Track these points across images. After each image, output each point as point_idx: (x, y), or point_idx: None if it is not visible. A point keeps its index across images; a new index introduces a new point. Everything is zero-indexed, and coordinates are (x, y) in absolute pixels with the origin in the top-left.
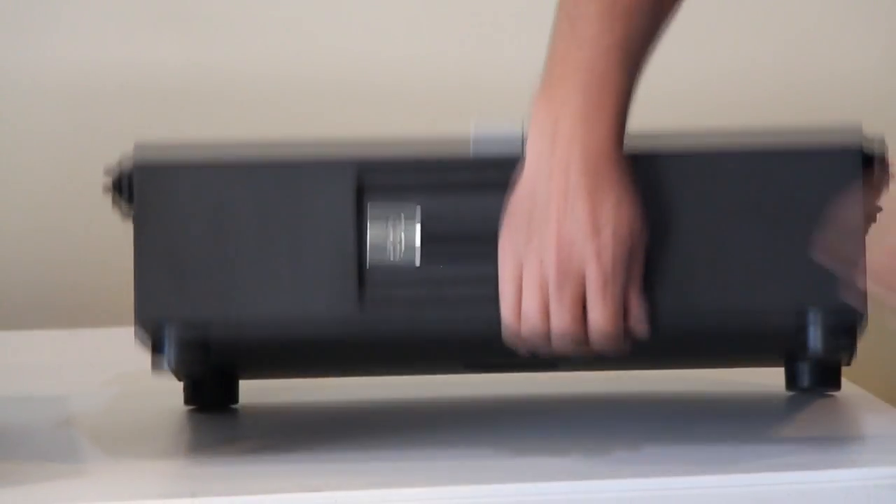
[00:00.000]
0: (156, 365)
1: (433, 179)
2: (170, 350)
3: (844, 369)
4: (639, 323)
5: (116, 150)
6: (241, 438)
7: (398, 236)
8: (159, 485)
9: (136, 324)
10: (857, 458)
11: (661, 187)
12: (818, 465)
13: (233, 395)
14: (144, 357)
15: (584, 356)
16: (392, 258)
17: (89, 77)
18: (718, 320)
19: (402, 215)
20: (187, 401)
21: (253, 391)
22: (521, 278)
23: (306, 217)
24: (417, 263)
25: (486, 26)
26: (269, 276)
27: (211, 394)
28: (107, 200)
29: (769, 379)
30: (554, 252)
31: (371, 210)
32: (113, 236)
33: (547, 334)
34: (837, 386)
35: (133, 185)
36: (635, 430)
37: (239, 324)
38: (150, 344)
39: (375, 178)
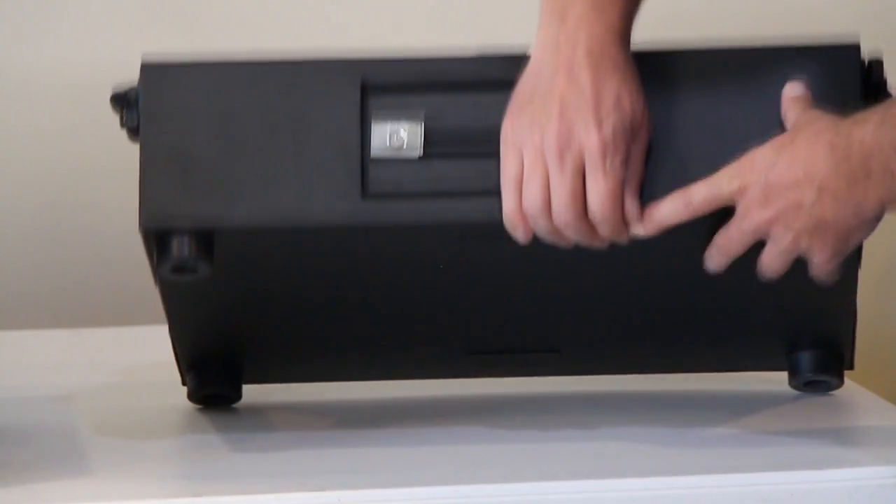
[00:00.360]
0: (160, 272)
1: (437, 77)
2: (175, 251)
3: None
4: (636, 219)
5: (116, 151)
6: (245, 438)
7: (401, 133)
8: (163, 484)
9: (141, 228)
10: (859, 457)
11: (663, 85)
12: (821, 464)
13: (236, 391)
14: (148, 357)
15: (583, 246)
16: (395, 154)
17: (91, 76)
18: (717, 223)
19: (406, 113)
20: (191, 397)
21: (256, 389)
22: (522, 156)
23: (312, 116)
24: (419, 156)
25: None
26: (274, 175)
27: (215, 386)
28: (109, 202)
29: (771, 377)
30: (556, 121)
31: (375, 107)
32: (115, 236)
33: (548, 210)
34: (841, 373)
35: (140, 91)
36: (635, 429)
37: (244, 221)
38: (155, 248)
39: (379, 77)
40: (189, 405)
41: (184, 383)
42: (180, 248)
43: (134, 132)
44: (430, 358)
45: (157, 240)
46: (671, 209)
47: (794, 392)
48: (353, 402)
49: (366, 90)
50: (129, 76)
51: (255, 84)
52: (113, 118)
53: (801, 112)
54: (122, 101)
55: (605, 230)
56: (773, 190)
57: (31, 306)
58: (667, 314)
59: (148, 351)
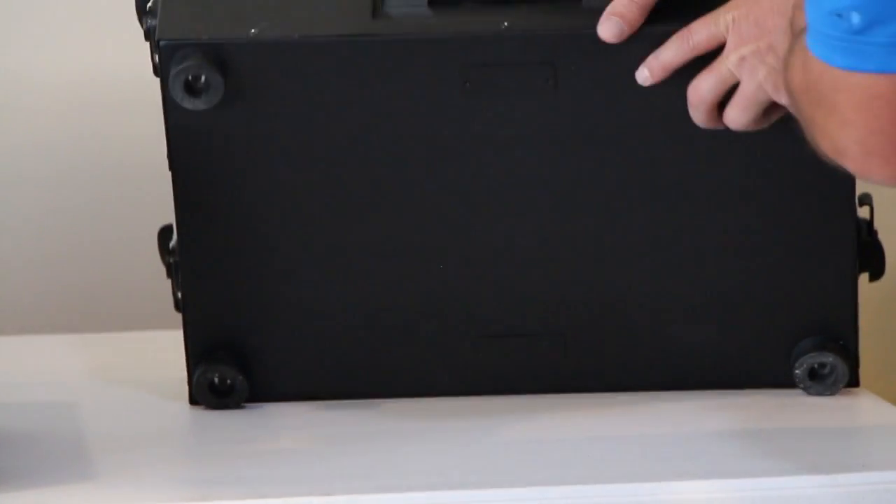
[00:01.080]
0: (171, 94)
1: None
2: (189, 61)
3: None
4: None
5: (118, 154)
6: (252, 442)
7: None
8: (169, 489)
9: (157, 42)
10: (867, 461)
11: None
12: (826, 468)
13: (243, 384)
14: (153, 361)
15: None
16: None
17: (92, 82)
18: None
19: None
20: (196, 391)
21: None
22: None
23: None
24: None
25: None
26: (287, 3)
27: (223, 373)
28: (112, 208)
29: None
30: None
31: None
32: (118, 239)
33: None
34: (848, 361)
35: None
36: (638, 431)
37: (256, 37)
38: (169, 64)
39: None
40: (195, 411)
41: (190, 382)
42: (194, 58)
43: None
44: (436, 343)
45: (171, 54)
46: (673, 49)
47: (800, 395)
48: (362, 404)
49: None
50: (132, 77)
51: None
52: (118, 122)
53: None
54: None
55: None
56: (759, 23)
57: (34, 311)
58: (669, 309)
59: (153, 356)
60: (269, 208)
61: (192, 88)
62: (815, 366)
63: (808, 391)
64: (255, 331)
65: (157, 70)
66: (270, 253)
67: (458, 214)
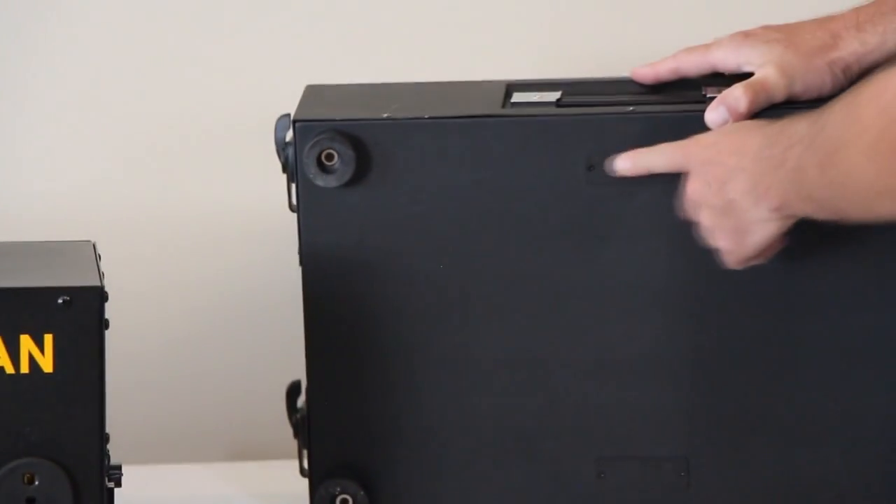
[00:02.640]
0: (303, 169)
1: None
2: (323, 141)
3: None
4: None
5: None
6: None
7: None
8: None
9: (293, 123)
10: None
11: None
12: None
13: None
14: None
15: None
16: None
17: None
18: None
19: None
20: None
21: None
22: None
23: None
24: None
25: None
26: (420, 103)
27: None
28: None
29: None
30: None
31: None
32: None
33: None
34: None
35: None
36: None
37: (388, 121)
38: (302, 146)
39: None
40: None
41: (312, 499)
42: (327, 134)
43: None
44: (556, 464)
45: (305, 133)
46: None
47: None
48: None
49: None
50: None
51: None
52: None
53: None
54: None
55: None
56: (708, 163)
57: (156, 440)
58: (793, 431)
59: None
60: (399, 301)
61: (324, 166)
62: None
63: None
64: (378, 449)
65: (291, 166)
66: (395, 357)
67: (581, 315)
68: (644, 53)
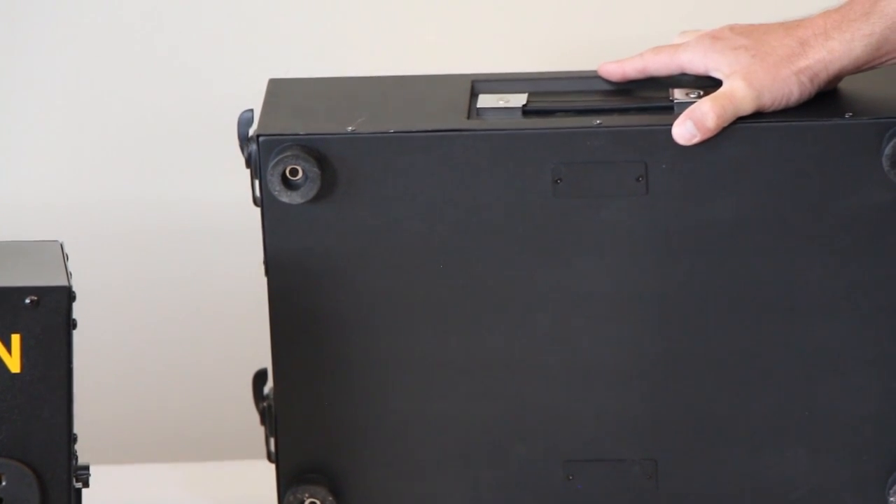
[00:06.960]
0: (268, 186)
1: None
2: (287, 154)
3: None
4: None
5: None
6: None
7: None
8: None
9: (256, 138)
10: None
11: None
12: None
13: None
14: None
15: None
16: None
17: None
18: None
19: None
20: None
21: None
22: None
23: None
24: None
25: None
26: (385, 110)
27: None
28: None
29: None
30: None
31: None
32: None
33: None
34: None
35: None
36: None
37: (353, 137)
38: (265, 162)
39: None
40: None
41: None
42: (291, 151)
43: None
44: (526, 466)
45: (269, 149)
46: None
47: None
48: None
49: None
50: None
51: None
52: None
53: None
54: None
55: None
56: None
57: (129, 440)
58: (760, 433)
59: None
60: (365, 312)
61: (288, 182)
62: None
63: None
64: (347, 454)
65: (256, 173)
66: (364, 366)
67: (548, 324)
68: (610, 42)
